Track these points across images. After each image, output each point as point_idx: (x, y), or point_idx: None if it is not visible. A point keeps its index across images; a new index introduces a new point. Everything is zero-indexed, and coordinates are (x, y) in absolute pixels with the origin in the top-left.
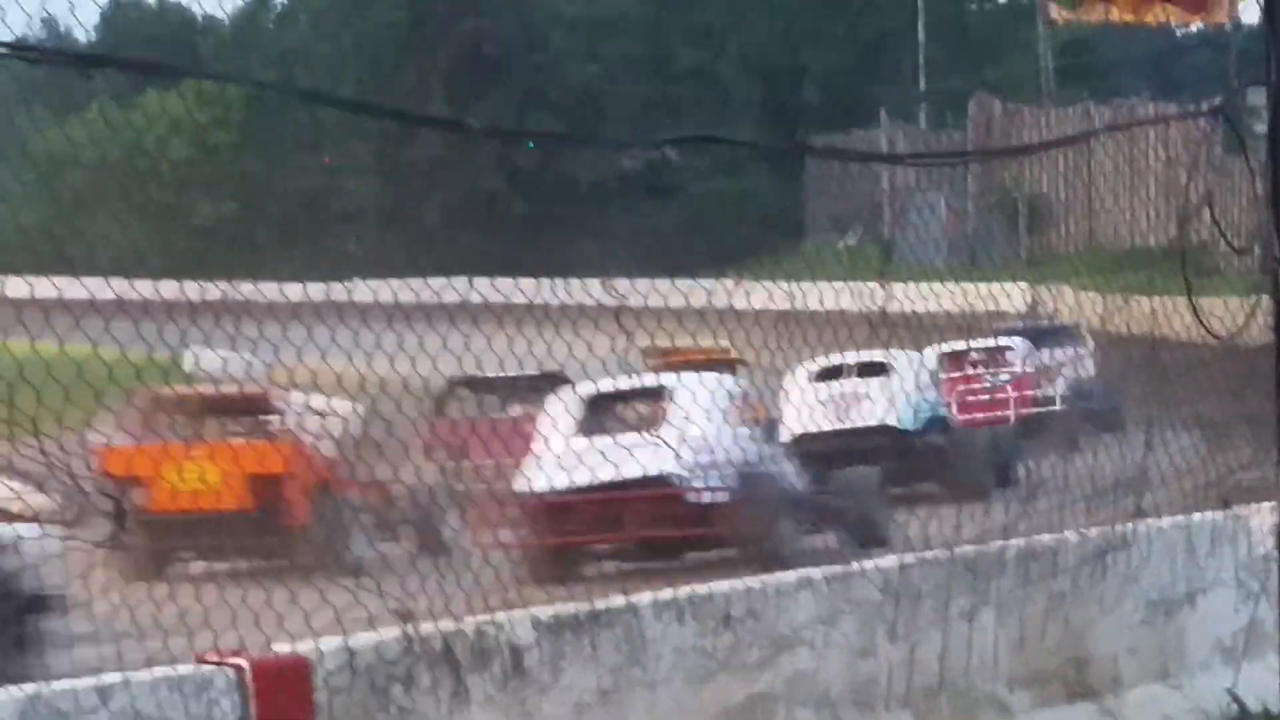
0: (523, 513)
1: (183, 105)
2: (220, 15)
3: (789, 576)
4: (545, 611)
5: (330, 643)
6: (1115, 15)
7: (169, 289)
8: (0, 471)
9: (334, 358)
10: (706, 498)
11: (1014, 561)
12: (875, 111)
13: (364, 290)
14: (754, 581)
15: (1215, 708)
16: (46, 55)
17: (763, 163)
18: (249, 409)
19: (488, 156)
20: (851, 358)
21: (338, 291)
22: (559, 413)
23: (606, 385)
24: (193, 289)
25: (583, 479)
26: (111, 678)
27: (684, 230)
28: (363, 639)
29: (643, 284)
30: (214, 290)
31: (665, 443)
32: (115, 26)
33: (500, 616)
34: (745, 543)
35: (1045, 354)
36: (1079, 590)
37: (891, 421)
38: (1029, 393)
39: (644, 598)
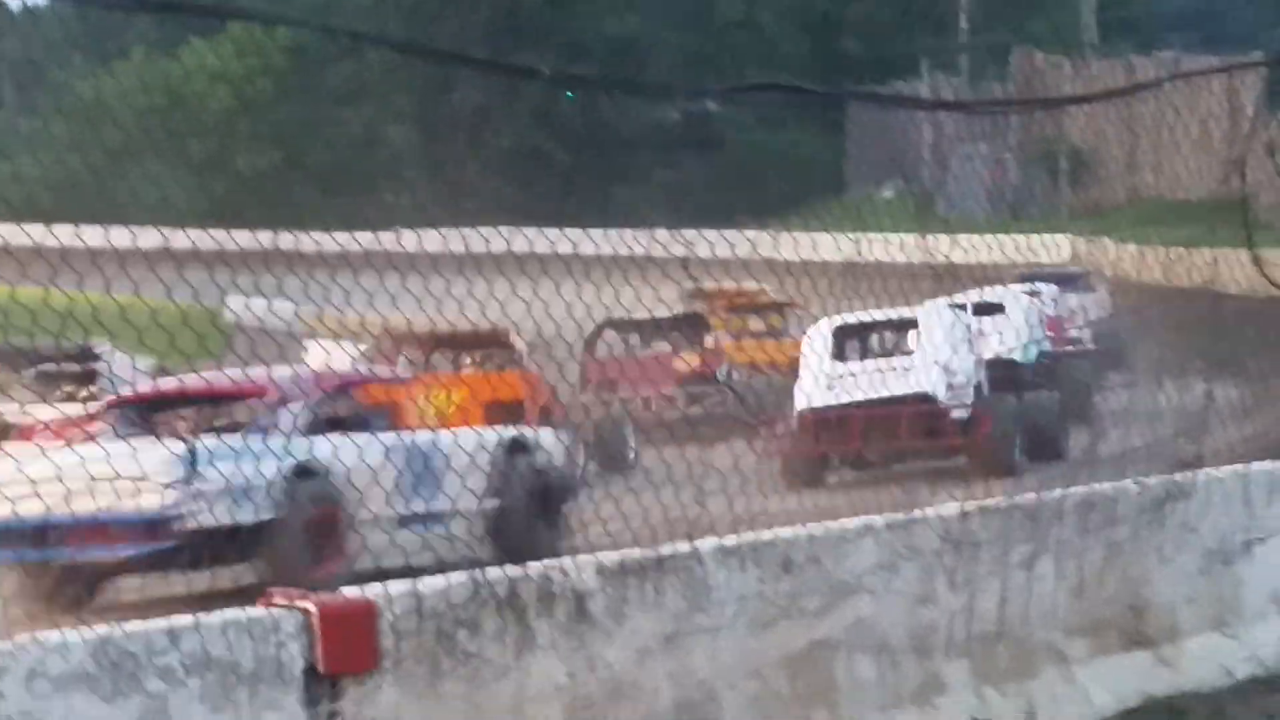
0: (803, 425)
1: (221, 54)
2: None
3: (850, 523)
4: (609, 557)
5: (397, 586)
6: None
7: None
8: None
9: (375, 308)
10: (958, 412)
11: (1073, 509)
12: (916, 63)
13: (406, 240)
14: (815, 528)
15: (1272, 656)
16: None
17: (804, 115)
18: (487, 344)
19: (529, 108)
20: (974, 297)
21: (377, 241)
22: (817, 341)
23: (856, 317)
24: (233, 238)
25: (857, 395)
26: (182, 620)
27: (725, 182)
28: (429, 583)
29: (690, 233)
30: (254, 240)
31: (927, 365)
32: None
33: (565, 561)
34: (989, 451)
35: (1070, 299)
36: (1137, 539)
37: (1016, 356)
38: (1063, 333)
39: (706, 544)
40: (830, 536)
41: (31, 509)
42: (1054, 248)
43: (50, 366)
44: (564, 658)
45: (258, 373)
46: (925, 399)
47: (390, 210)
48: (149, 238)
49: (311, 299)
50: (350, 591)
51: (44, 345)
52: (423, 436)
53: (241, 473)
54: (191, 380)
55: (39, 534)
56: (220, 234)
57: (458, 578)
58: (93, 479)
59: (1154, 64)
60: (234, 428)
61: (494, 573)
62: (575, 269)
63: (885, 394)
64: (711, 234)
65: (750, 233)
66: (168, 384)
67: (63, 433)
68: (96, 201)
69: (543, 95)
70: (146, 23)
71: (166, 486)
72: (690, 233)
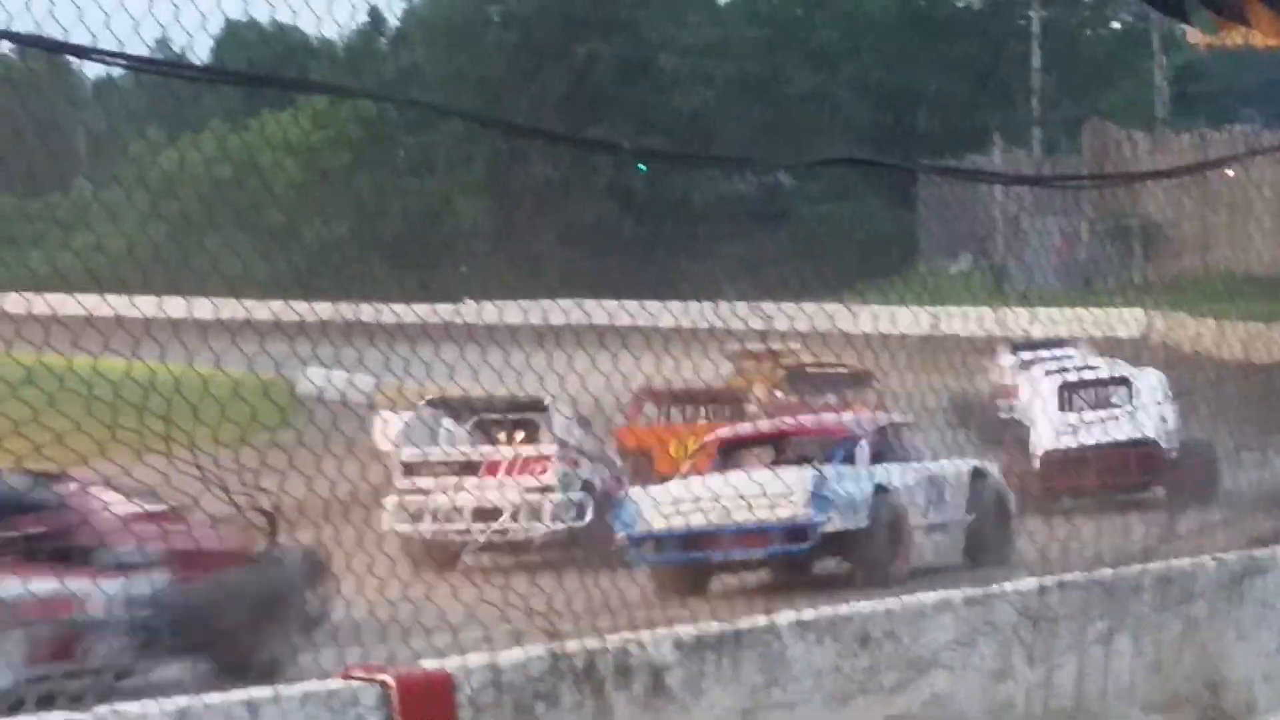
0: (1045, 465)
1: (296, 126)
2: (333, 37)
3: (928, 598)
4: (687, 631)
5: (476, 659)
6: (1257, 40)
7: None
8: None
9: (455, 379)
10: (1172, 454)
11: (1151, 585)
12: (988, 136)
13: (476, 311)
14: (893, 603)
15: None
16: (201, 71)
17: (876, 187)
18: (721, 400)
19: (600, 179)
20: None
21: (449, 313)
22: (1044, 394)
23: (1077, 375)
24: (313, 309)
25: (1092, 439)
26: (261, 692)
27: (797, 254)
28: (508, 655)
29: (769, 306)
30: (334, 311)
31: (1149, 414)
32: (228, 48)
33: (643, 635)
34: (1196, 484)
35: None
36: (1215, 615)
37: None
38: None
39: (784, 618)
40: (908, 611)
41: (692, 521)
42: (1129, 322)
43: (494, 415)
44: None
45: (829, 418)
46: (1148, 443)
47: (462, 281)
48: (229, 308)
49: (391, 371)
50: (428, 664)
51: (494, 396)
52: (933, 465)
53: (849, 491)
54: (782, 423)
55: (692, 540)
56: (300, 305)
57: (535, 650)
58: (741, 497)
59: (1227, 138)
60: (803, 460)
61: (572, 645)
62: (654, 341)
63: (1117, 438)
64: (790, 306)
65: (829, 305)
66: (764, 425)
67: (523, 468)
68: (178, 272)
69: (615, 168)
70: (223, 94)
71: (805, 502)
72: (769, 305)
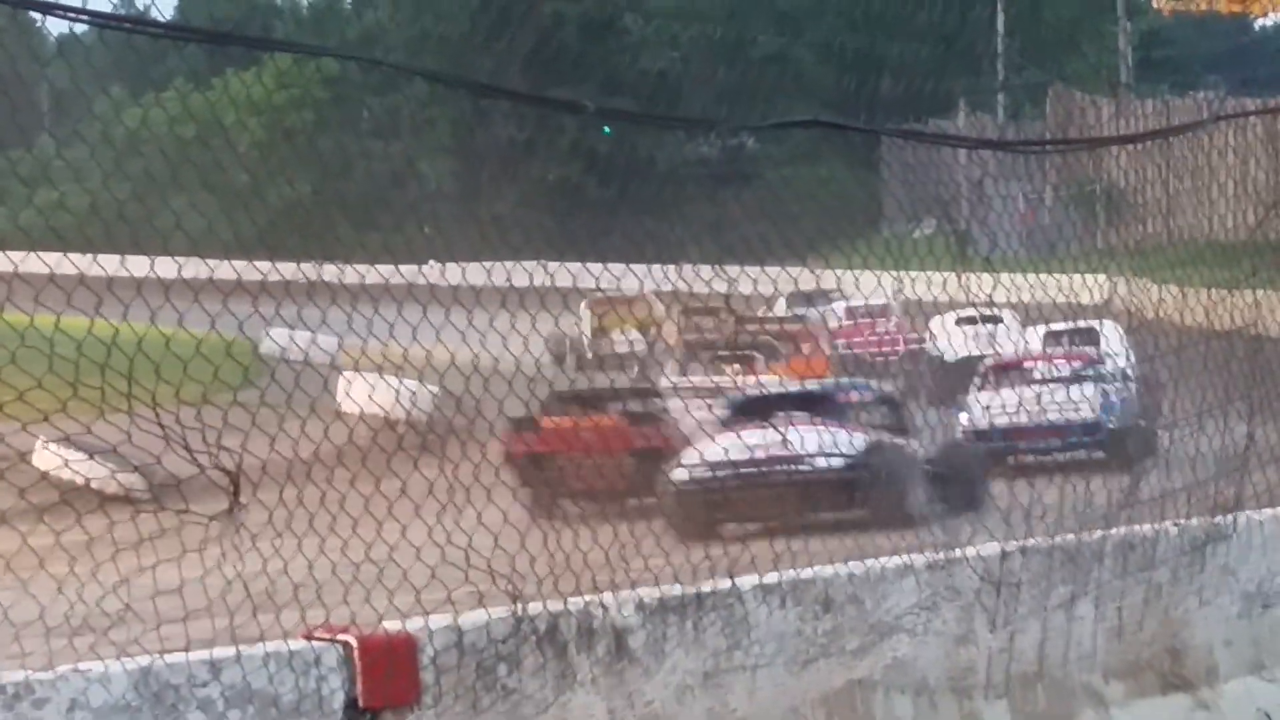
0: None
1: (260, 85)
2: None
3: (890, 562)
4: (650, 593)
5: (438, 620)
6: (1221, 4)
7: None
8: (99, 453)
9: (419, 341)
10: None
11: (1113, 551)
12: (953, 101)
13: (440, 272)
14: (856, 566)
15: None
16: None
17: (840, 151)
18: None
19: (564, 140)
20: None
21: (413, 273)
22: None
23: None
24: (277, 269)
25: None
26: (223, 652)
27: (762, 217)
28: (470, 618)
29: (733, 269)
30: (290, 271)
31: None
32: (193, 6)
33: (606, 597)
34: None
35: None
36: (1177, 581)
37: None
38: None
39: (746, 581)
40: (870, 576)
41: (1015, 419)
42: (1093, 287)
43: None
44: (604, 694)
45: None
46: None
47: (426, 242)
48: (192, 267)
49: (355, 331)
50: (391, 625)
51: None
52: None
53: (1119, 400)
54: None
55: (1013, 431)
56: (264, 265)
57: (499, 613)
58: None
59: (1192, 104)
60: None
61: (535, 608)
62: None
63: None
64: (754, 269)
65: (793, 268)
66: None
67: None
68: (141, 230)
69: (579, 129)
70: (187, 53)
71: (1096, 408)
72: (733, 268)
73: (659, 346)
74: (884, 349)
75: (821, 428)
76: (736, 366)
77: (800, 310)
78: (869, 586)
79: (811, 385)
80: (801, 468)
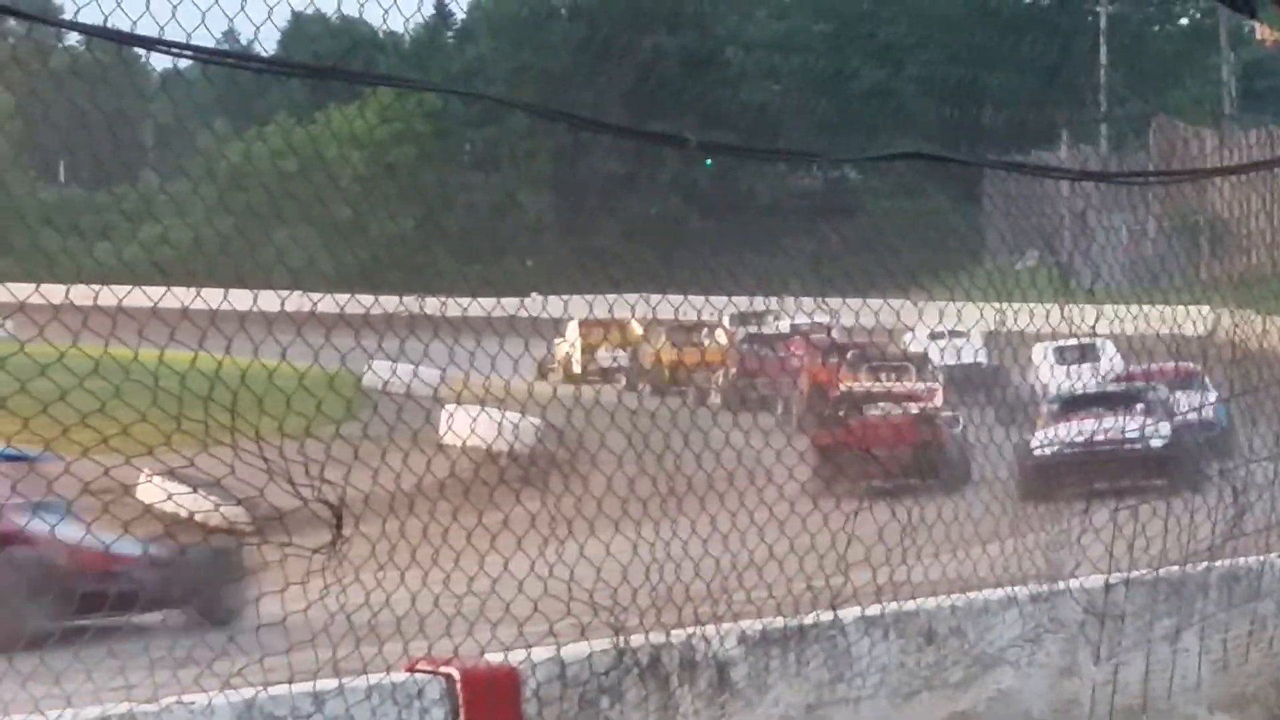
0: None
1: (362, 119)
2: (399, 31)
3: (994, 594)
4: (752, 625)
5: (541, 653)
6: None
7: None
8: (203, 487)
9: (519, 374)
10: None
11: (1218, 583)
12: (1055, 132)
13: (541, 305)
14: (959, 599)
15: None
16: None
17: (941, 182)
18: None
19: (665, 173)
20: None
21: (514, 306)
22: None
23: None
24: (372, 303)
25: None
26: (327, 683)
27: (864, 249)
28: (573, 650)
29: (834, 301)
30: (393, 304)
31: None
32: (294, 41)
33: (708, 629)
34: None
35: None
36: None
37: None
38: None
39: (849, 613)
40: (973, 607)
41: None
42: (1197, 319)
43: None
44: None
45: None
46: None
47: (527, 275)
48: (294, 301)
49: (457, 364)
50: (494, 658)
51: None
52: None
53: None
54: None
55: None
56: (366, 298)
57: (601, 645)
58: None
59: None
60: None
61: (637, 640)
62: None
63: None
64: (855, 301)
65: (895, 300)
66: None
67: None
68: (244, 264)
69: (680, 162)
70: (289, 87)
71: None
72: (835, 300)
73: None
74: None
75: (1139, 417)
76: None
77: (746, 328)
78: (972, 618)
79: (1119, 386)
80: (1134, 446)
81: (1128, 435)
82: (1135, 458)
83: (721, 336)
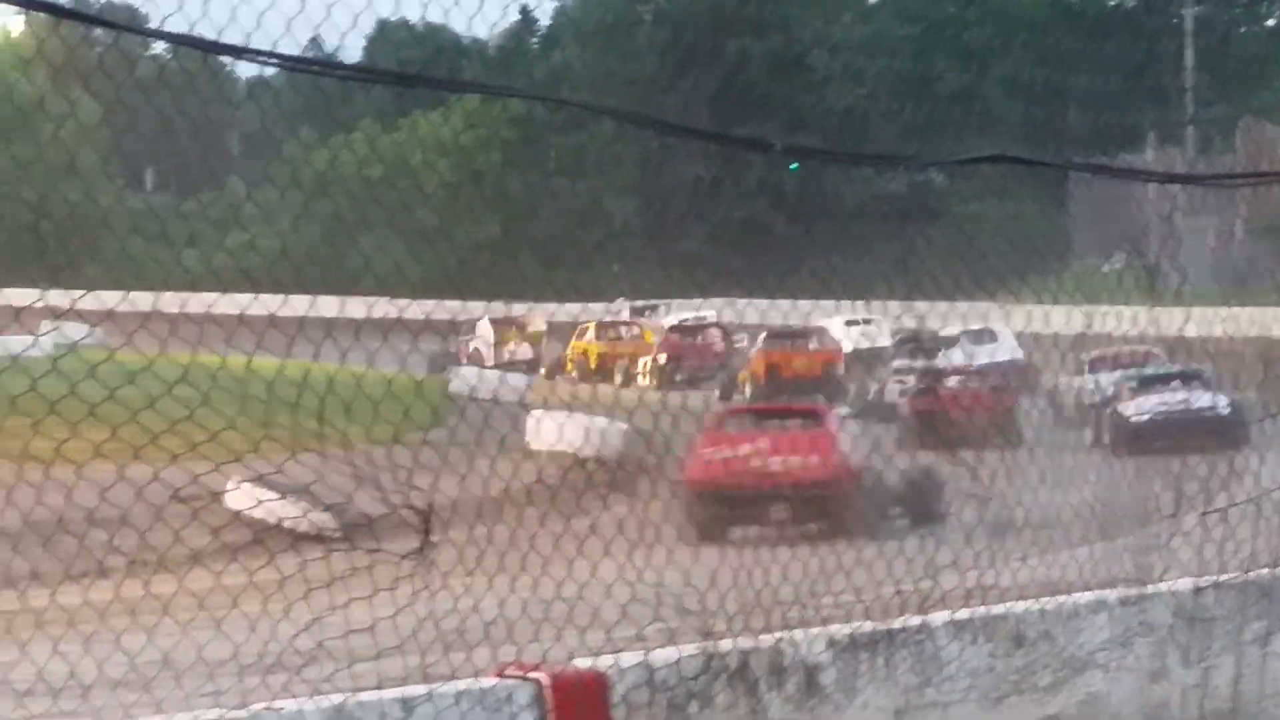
0: None
1: (447, 126)
2: (484, 37)
3: (1083, 597)
4: (840, 630)
5: (629, 658)
6: None
7: (435, 308)
8: (291, 493)
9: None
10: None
11: None
12: (1141, 135)
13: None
14: (1048, 602)
15: None
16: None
17: (1028, 185)
18: None
19: (751, 178)
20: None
21: (601, 311)
22: None
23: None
24: (458, 309)
25: None
26: (416, 689)
27: (950, 253)
28: (661, 655)
29: (921, 305)
30: (479, 310)
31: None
32: (379, 48)
33: (796, 634)
34: None
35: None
36: None
37: None
38: None
39: (938, 617)
40: (1062, 611)
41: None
42: None
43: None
44: None
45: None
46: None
47: (613, 280)
48: (381, 307)
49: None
50: (582, 663)
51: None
52: None
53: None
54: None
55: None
56: (453, 304)
57: (689, 650)
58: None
59: None
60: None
61: (725, 645)
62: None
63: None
64: (943, 305)
65: (982, 304)
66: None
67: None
68: (331, 271)
69: (766, 166)
70: (375, 94)
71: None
72: (922, 304)
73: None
74: (705, 359)
75: (1202, 391)
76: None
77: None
78: (1061, 622)
79: (1185, 367)
80: (1206, 414)
81: (1200, 405)
82: (1208, 421)
83: (636, 331)
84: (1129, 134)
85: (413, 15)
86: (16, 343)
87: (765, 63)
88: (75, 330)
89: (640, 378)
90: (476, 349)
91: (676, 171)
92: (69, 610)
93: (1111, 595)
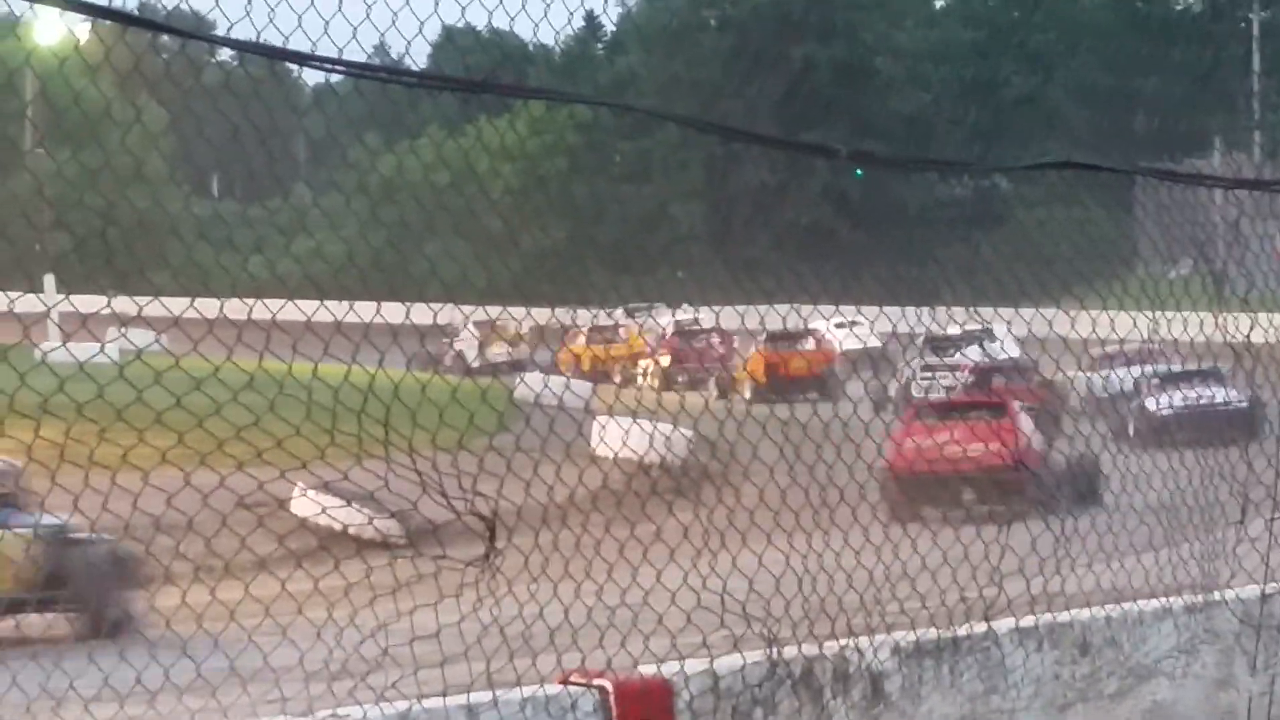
0: None
1: (513, 132)
2: (549, 43)
3: (1148, 605)
4: (905, 637)
5: (694, 665)
6: None
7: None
8: (357, 500)
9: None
10: None
11: None
12: (1208, 139)
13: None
14: (1113, 610)
15: None
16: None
17: (1093, 190)
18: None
19: (816, 183)
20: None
21: (670, 317)
22: None
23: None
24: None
25: None
26: (480, 696)
27: (1015, 258)
28: (726, 662)
29: (985, 310)
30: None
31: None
32: (445, 54)
33: (861, 641)
34: None
35: None
36: None
37: None
38: None
39: (1003, 624)
40: (1128, 619)
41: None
42: None
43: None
44: None
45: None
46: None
47: (679, 286)
48: (447, 314)
49: (608, 375)
50: (647, 670)
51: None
52: None
53: None
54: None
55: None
56: (518, 310)
57: (754, 657)
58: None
59: None
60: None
61: (790, 652)
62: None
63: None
64: (1007, 310)
65: (1046, 310)
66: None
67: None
68: (396, 278)
69: (831, 172)
70: (440, 100)
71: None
72: (986, 309)
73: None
74: (705, 361)
75: (1219, 387)
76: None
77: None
78: (1127, 629)
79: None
80: (1227, 408)
81: (1220, 400)
82: (1229, 415)
83: (626, 334)
84: (1195, 139)
85: (478, 21)
86: (83, 350)
87: (830, 68)
88: (141, 337)
89: (641, 379)
90: (460, 351)
91: (741, 177)
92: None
93: (1177, 603)
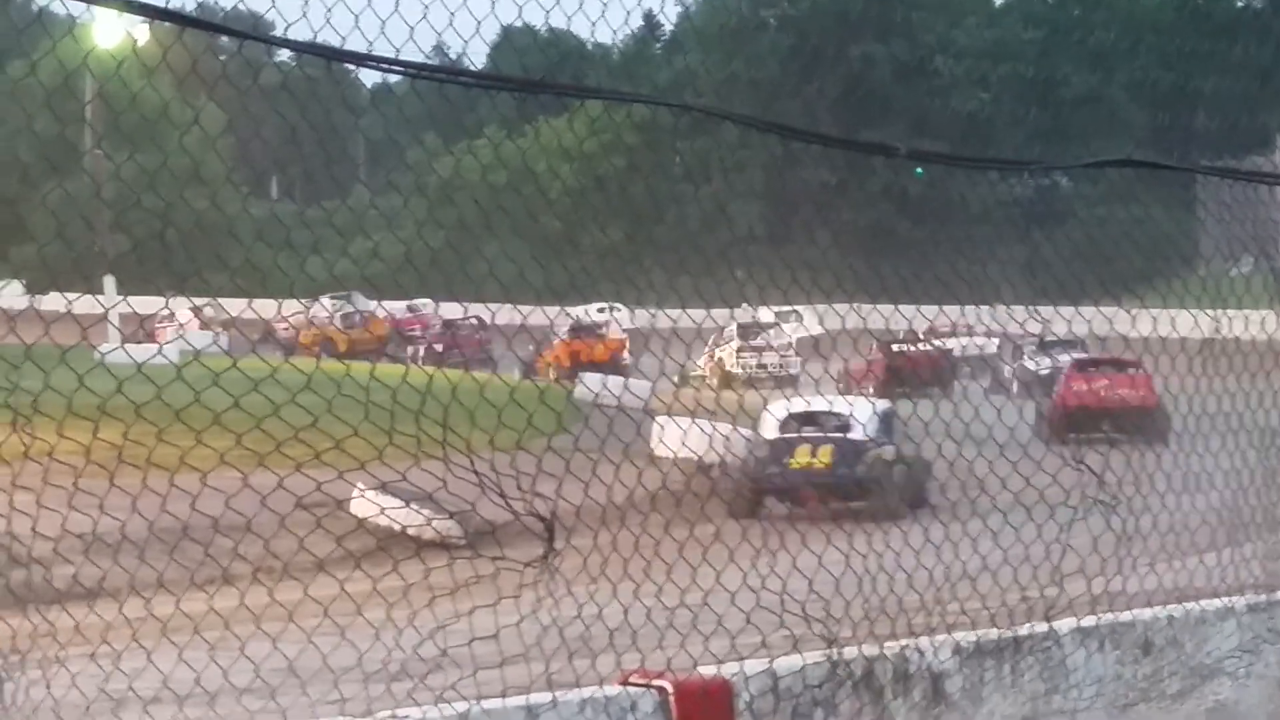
0: None
1: (571, 132)
2: (607, 43)
3: (1210, 604)
4: (966, 637)
5: (754, 665)
6: None
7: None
8: (415, 500)
9: (732, 387)
10: None
11: None
12: (1270, 137)
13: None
14: (1175, 609)
15: None
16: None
17: (1153, 189)
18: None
19: (876, 182)
20: None
21: (725, 317)
22: None
23: None
24: (580, 314)
25: None
26: (540, 697)
27: (1076, 257)
28: (786, 662)
29: (1046, 309)
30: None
31: None
32: (503, 54)
33: (922, 641)
34: None
35: None
36: None
37: None
38: None
39: (1064, 624)
40: (1190, 618)
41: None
42: None
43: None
44: None
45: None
46: None
47: (739, 286)
48: (505, 314)
49: (667, 376)
50: (706, 670)
51: None
52: None
53: None
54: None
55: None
56: (577, 310)
57: (814, 657)
58: None
59: None
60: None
61: (850, 652)
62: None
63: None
64: (1068, 309)
65: (1107, 309)
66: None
67: None
68: (455, 278)
69: (891, 171)
70: (499, 101)
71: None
72: (1047, 308)
73: None
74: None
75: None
76: None
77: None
78: (1189, 629)
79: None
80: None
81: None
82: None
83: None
84: (1258, 136)
85: (536, 21)
86: (142, 350)
87: (889, 67)
88: (200, 338)
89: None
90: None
91: (801, 176)
92: (194, 618)
93: (1240, 602)
